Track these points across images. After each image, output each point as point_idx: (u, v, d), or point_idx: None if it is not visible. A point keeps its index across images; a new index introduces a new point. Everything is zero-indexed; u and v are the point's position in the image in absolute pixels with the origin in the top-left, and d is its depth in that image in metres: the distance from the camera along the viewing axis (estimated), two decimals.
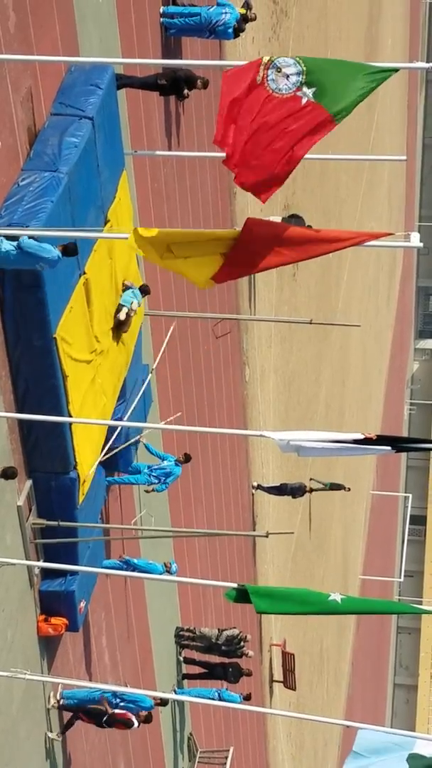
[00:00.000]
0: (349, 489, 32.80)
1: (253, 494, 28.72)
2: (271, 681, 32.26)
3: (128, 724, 16.08)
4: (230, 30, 19.14)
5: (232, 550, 26.97)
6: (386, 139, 55.45)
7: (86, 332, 14.80)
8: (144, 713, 16.22)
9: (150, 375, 17.98)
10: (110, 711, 15.85)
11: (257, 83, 11.40)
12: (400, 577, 59.00)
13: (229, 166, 11.65)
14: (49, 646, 15.75)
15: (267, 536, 18.61)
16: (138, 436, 17.30)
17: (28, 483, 14.65)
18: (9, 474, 13.75)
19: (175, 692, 22.32)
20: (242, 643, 22.67)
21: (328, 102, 11.33)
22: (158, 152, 19.32)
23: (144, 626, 20.56)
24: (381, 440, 12.53)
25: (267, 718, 31.86)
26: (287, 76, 11.43)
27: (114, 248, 15.47)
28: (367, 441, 12.42)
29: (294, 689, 32.69)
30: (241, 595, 12.42)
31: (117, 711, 15.92)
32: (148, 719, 16.38)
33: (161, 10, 19.22)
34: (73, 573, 15.31)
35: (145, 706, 16.20)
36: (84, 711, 15.92)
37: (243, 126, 11.46)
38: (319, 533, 39.01)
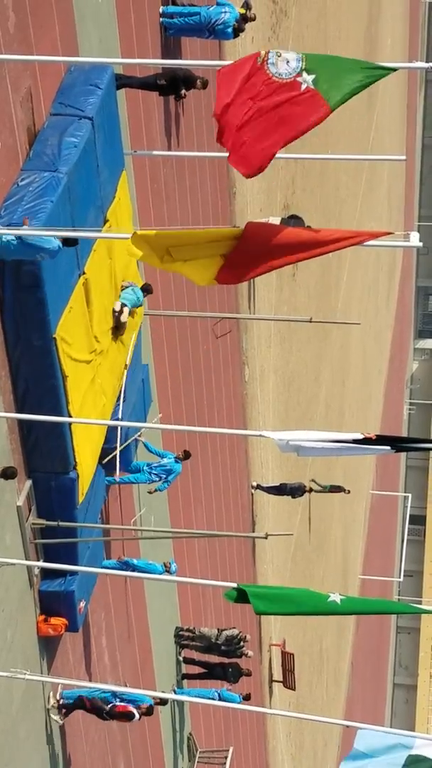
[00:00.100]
0: (349, 491, 32.80)
1: (252, 494, 28.72)
2: (271, 681, 32.27)
3: (129, 717, 16.12)
4: (230, 29, 19.13)
5: (231, 551, 26.97)
6: (386, 139, 55.47)
7: (86, 332, 14.80)
8: (145, 705, 16.27)
9: (148, 370, 18.00)
10: (106, 708, 15.93)
11: (257, 66, 11.53)
12: (399, 577, 59.01)
13: (224, 143, 11.68)
14: (48, 646, 15.75)
15: (266, 537, 18.62)
16: (137, 435, 17.31)
17: (28, 483, 14.65)
18: (9, 474, 13.75)
19: (175, 692, 22.33)
20: (242, 643, 22.69)
21: (326, 90, 11.46)
22: (157, 152, 19.31)
23: (144, 626, 20.56)
24: (381, 440, 12.53)
25: (267, 718, 31.86)
26: (287, 62, 11.56)
27: (113, 248, 15.47)
28: (366, 441, 12.42)
29: (294, 689, 32.70)
30: (241, 596, 12.41)
31: (118, 704, 15.97)
32: (149, 712, 16.42)
33: (161, 10, 19.22)
34: (73, 573, 15.30)
35: (144, 702, 16.28)
36: (88, 700, 15.97)
37: (241, 104, 11.53)
38: (318, 533, 39.02)
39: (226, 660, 22.94)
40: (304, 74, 11.48)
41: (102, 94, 14.88)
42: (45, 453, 14.55)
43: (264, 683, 31.38)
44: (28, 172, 13.70)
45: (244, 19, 19.90)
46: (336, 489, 31.24)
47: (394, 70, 11.86)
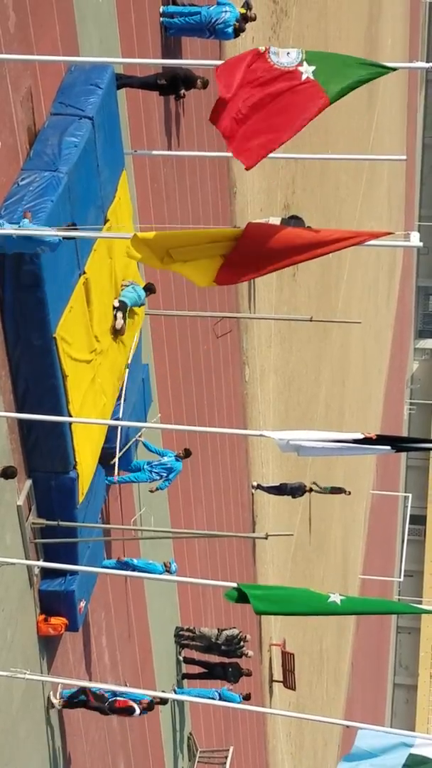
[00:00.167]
0: (350, 493, 32.79)
1: (252, 494, 28.73)
2: (271, 681, 32.28)
3: (130, 711, 16.15)
4: (230, 29, 19.13)
5: (231, 550, 26.97)
6: (386, 138, 55.48)
7: (86, 332, 14.80)
8: (146, 701, 16.30)
9: (148, 369, 18.00)
10: (105, 705, 15.98)
11: (259, 54, 11.61)
12: (399, 577, 59.01)
13: (220, 127, 11.71)
14: (49, 645, 15.75)
15: (266, 538, 18.62)
16: (138, 435, 17.32)
17: (28, 482, 14.65)
18: (9, 473, 13.74)
19: (175, 692, 22.33)
20: (242, 643, 22.69)
21: (325, 82, 11.56)
22: (157, 152, 19.31)
23: (144, 626, 20.56)
24: (381, 440, 12.52)
25: (267, 717, 31.87)
26: (288, 53, 11.72)
27: (114, 248, 15.47)
28: (367, 441, 12.42)
29: (294, 689, 32.70)
30: (242, 596, 12.41)
31: (118, 699, 16.00)
32: (150, 707, 16.46)
33: (161, 10, 19.22)
34: (73, 573, 15.30)
35: (145, 698, 16.33)
36: (92, 693, 15.99)
37: (241, 88, 11.60)
38: (318, 533, 39.01)
39: (226, 660, 22.94)
40: (305, 64, 11.59)
41: (102, 94, 14.88)
42: (45, 452, 14.55)
43: (264, 683, 31.39)
44: (29, 172, 13.70)
45: (245, 18, 19.89)
46: (337, 491, 31.21)
47: (394, 69, 11.90)
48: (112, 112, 15.45)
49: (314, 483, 30.10)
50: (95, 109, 14.65)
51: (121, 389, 16.47)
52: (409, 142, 67.56)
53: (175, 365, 21.56)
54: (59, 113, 14.53)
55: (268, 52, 11.63)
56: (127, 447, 16.63)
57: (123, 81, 17.14)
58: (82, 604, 15.74)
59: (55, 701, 15.80)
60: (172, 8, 19.33)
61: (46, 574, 15.35)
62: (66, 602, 15.37)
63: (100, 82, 14.97)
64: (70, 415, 14.31)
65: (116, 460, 16.32)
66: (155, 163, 19.62)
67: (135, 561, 17.77)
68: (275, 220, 24.62)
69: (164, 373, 20.81)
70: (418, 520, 70.12)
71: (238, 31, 19.37)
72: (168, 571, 18.52)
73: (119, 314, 15.81)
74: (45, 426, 14.18)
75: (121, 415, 16.25)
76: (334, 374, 41.87)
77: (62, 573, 15.27)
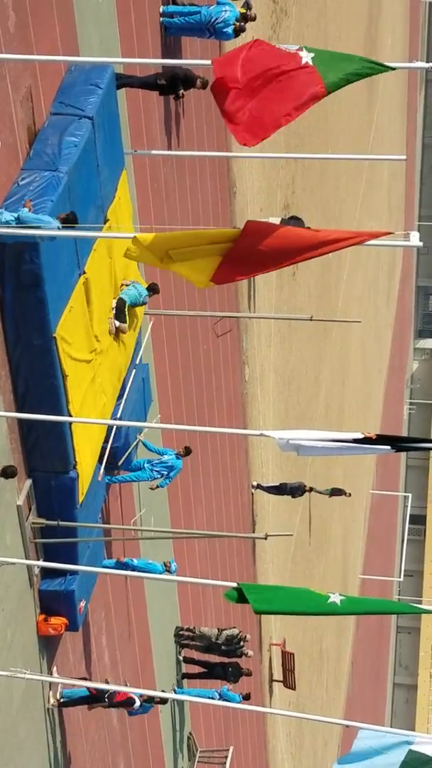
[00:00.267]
0: (350, 494, 32.77)
1: (252, 494, 28.73)
2: (271, 680, 32.28)
3: (130, 703, 16.17)
4: (230, 28, 19.13)
5: (231, 550, 26.98)
6: (386, 139, 55.49)
7: (86, 332, 14.80)
8: (146, 696, 16.34)
9: (148, 369, 18.00)
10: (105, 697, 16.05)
11: (258, 41, 11.74)
12: (399, 577, 59.00)
13: (220, 102, 11.78)
14: (49, 645, 15.75)
15: (266, 538, 18.61)
16: (138, 435, 17.31)
17: (28, 482, 14.65)
18: (9, 473, 13.75)
19: (175, 692, 22.33)
20: (242, 643, 22.69)
21: (323, 70, 11.71)
22: (157, 152, 19.31)
23: (144, 626, 20.56)
24: (381, 440, 12.53)
25: (267, 717, 31.88)
26: (287, 47, 11.93)
27: (114, 247, 15.47)
28: (366, 440, 12.43)
29: (294, 689, 32.70)
30: (242, 596, 12.40)
31: (118, 692, 16.06)
32: (150, 699, 16.47)
33: (161, 10, 19.22)
34: (73, 572, 15.30)
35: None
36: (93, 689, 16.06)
37: (242, 65, 11.67)
38: (319, 533, 39.01)
39: (226, 659, 22.94)
40: (305, 50, 11.74)
41: (102, 94, 14.88)
42: (45, 452, 14.55)
43: (264, 683, 31.39)
44: (29, 172, 13.70)
45: (245, 18, 19.89)
46: (337, 492, 31.19)
47: (394, 69, 11.93)
48: (112, 112, 15.46)
49: (313, 488, 30.05)
50: (95, 109, 14.66)
51: (123, 389, 16.48)
52: (408, 142, 67.56)
53: (175, 365, 21.56)
54: (59, 113, 14.54)
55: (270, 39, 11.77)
56: (129, 451, 16.65)
57: (123, 81, 17.14)
58: (82, 603, 15.74)
59: (51, 699, 15.82)
60: (172, 8, 19.33)
61: (46, 573, 15.35)
62: (66, 602, 15.37)
63: (100, 81, 14.97)
64: (70, 415, 14.31)
65: (117, 461, 16.31)
66: (155, 163, 19.62)
67: (135, 561, 17.77)
68: (275, 220, 24.61)
69: (164, 373, 20.81)
70: (418, 519, 70.11)
71: (238, 31, 19.37)
72: (168, 571, 18.52)
73: (114, 321, 15.79)
74: (45, 426, 14.18)
75: (120, 415, 16.26)
76: (334, 374, 41.87)
77: (62, 573, 15.27)
